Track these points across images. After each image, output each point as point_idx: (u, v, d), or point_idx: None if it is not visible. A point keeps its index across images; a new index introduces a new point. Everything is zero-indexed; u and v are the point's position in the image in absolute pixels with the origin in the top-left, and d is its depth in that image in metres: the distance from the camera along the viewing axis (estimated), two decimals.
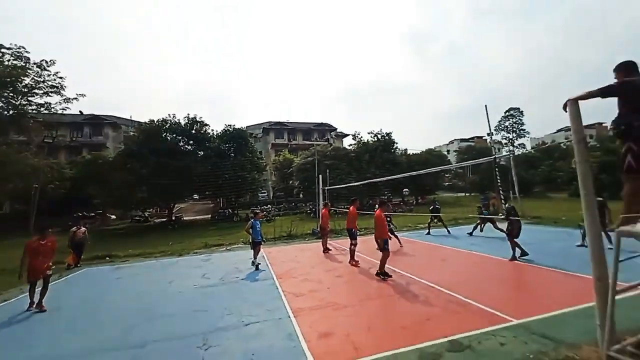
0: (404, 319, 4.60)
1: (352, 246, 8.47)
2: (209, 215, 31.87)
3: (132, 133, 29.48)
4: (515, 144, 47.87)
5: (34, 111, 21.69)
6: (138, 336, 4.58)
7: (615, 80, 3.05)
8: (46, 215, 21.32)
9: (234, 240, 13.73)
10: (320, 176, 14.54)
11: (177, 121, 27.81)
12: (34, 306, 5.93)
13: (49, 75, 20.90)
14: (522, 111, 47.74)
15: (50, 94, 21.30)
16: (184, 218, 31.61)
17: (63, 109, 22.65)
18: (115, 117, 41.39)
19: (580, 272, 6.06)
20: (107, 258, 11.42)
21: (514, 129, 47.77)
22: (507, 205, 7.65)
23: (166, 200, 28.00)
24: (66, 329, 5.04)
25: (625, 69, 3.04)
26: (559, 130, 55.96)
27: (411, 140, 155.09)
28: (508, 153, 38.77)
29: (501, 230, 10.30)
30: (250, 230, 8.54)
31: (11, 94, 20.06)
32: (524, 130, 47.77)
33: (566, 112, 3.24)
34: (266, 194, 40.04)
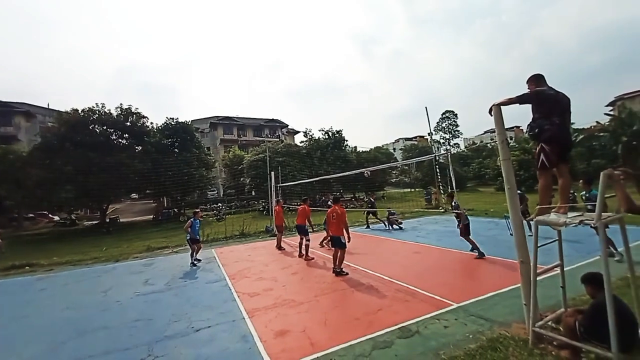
0: (357, 310, 4.78)
1: (306, 241, 8.54)
2: (151, 216, 29.45)
3: (50, 124, 25.47)
4: (451, 144, 52.97)
5: None
6: (68, 353, 4.07)
7: (529, 90, 3.55)
8: None
9: (181, 241, 12.77)
10: (273, 173, 14.34)
11: (108, 111, 24.84)
12: None
13: None
14: (456, 114, 53.12)
15: None
16: (121, 220, 28.69)
17: None
18: (27, 104, 35.39)
19: (507, 257, 6.88)
20: (27, 267, 9.96)
21: (450, 130, 52.87)
22: (455, 202, 8.27)
23: (97, 201, 24.97)
24: None
25: (535, 80, 3.56)
26: (485, 132, 62.93)
27: (360, 139, 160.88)
28: (445, 152, 42.64)
29: (381, 220, 13.51)
30: (189, 229, 8.92)
31: None
32: (459, 131, 53.25)
33: (491, 115, 3.69)
34: (216, 191, 38.22)
